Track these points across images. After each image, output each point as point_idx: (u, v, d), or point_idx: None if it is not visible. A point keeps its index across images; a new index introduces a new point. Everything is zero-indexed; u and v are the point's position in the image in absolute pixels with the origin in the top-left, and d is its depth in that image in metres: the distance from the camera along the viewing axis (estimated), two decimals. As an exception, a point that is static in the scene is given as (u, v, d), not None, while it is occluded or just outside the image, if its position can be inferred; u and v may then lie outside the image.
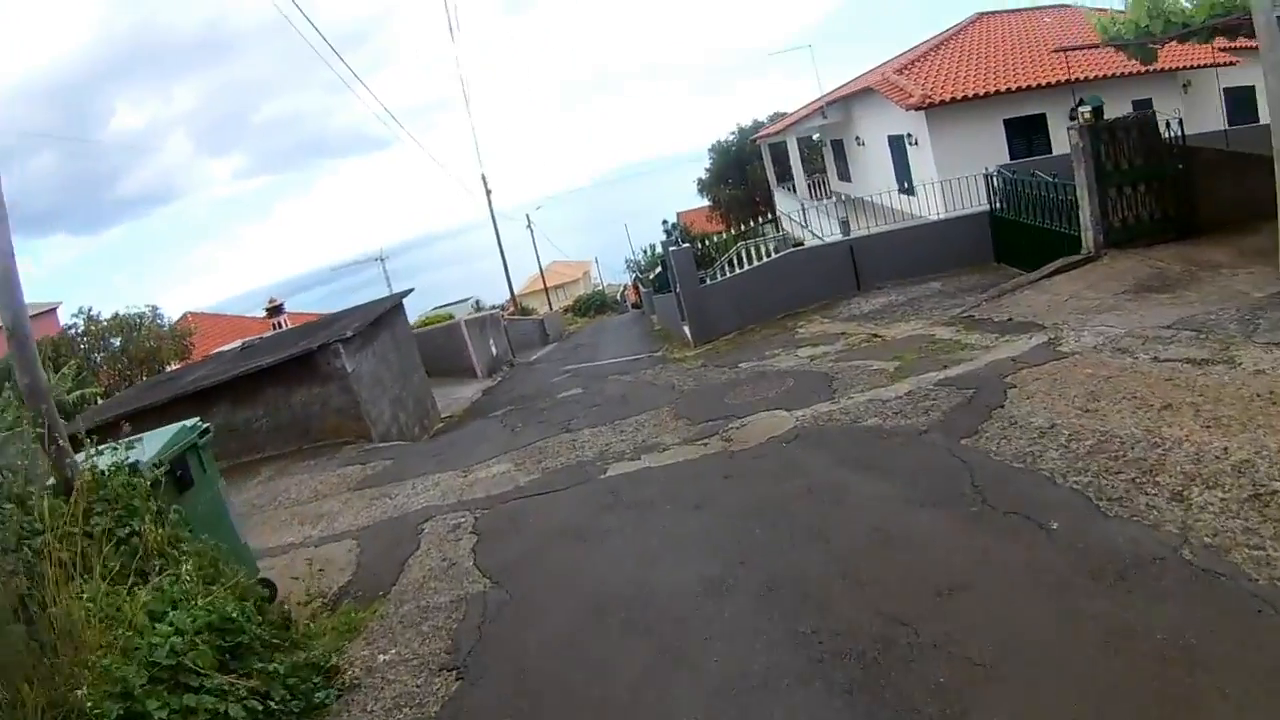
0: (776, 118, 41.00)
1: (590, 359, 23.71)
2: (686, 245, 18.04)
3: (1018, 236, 16.09)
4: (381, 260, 66.50)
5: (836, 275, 17.70)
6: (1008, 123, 20.74)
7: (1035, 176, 15.27)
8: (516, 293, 63.90)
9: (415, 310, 51.60)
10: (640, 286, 41.22)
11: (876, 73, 25.37)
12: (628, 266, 55.89)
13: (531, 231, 62.14)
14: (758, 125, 45.13)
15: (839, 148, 30.91)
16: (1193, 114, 20.13)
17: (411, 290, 20.24)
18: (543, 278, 68.04)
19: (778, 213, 35.00)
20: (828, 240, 18.64)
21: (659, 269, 27.30)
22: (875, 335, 12.90)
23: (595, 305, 59.48)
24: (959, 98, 20.00)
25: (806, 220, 24.66)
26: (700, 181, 49.32)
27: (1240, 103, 22.93)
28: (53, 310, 34.06)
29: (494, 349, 28.23)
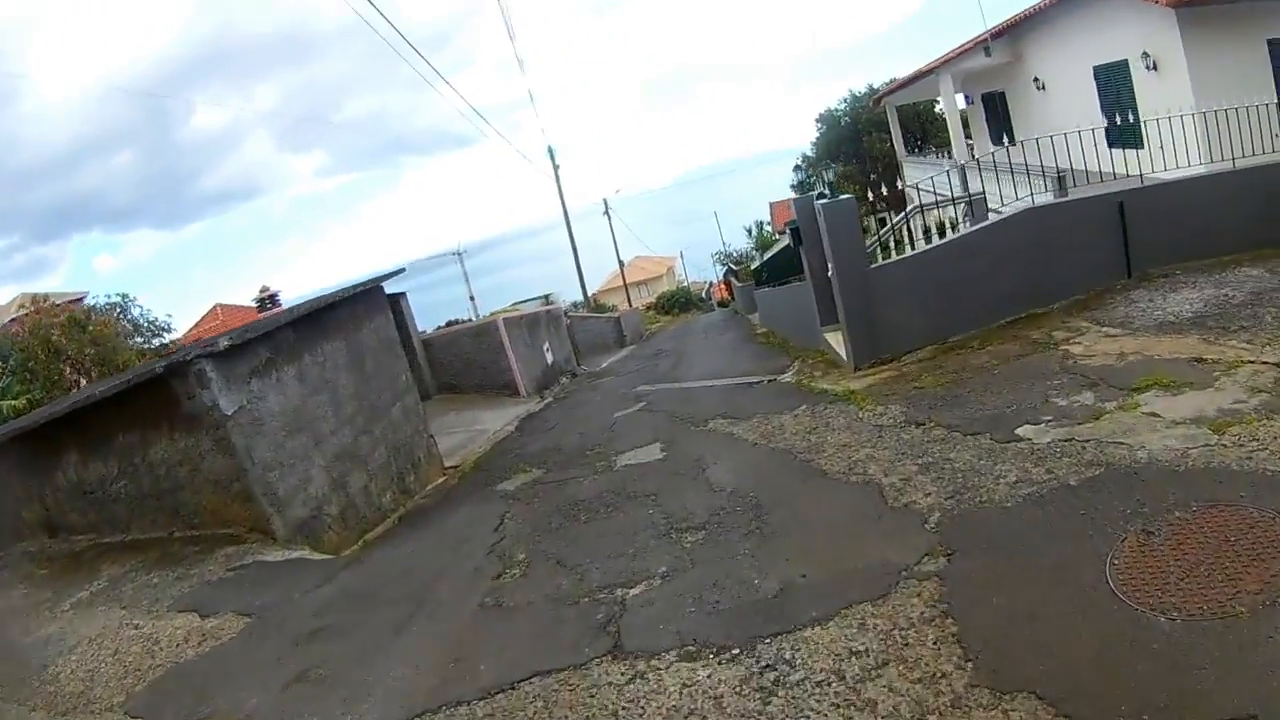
0: (891, 92, 32.87)
1: (674, 375, 16.33)
2: (847, 196, 10.48)
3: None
4: (459, 255, 62.35)
5: (1092, 253, 10.52)
6: (1273, 44, 13.66)
7: None
8: (596, 290, 58.74)
9: (491, 307, 47.73)
10: (734, 281, 34.10)
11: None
12: (716, 259, 49.29)
13: (609, 217, 54.90)
14: (873, 91, 37.19)
15: (996, 103, 23.29)
16: None
17: (401, 271, 13.18)
18: (622, 272, 60.89)
19: (906, 187, 26.82)
20: (1078, 196, 11.06)
21: (771, 252, 19.93)
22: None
23: (679, 302, 52.10)
24: (1225, -7, 12.96)
25: (967, 185, 16.47)
26: (803, 159, 41.61)
27: None
28: (78, 300, 28.84)
29: (549, 355, 20.97)
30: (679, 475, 7.41)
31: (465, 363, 18.35)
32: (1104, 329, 8.65)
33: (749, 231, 39.28)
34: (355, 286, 11.48)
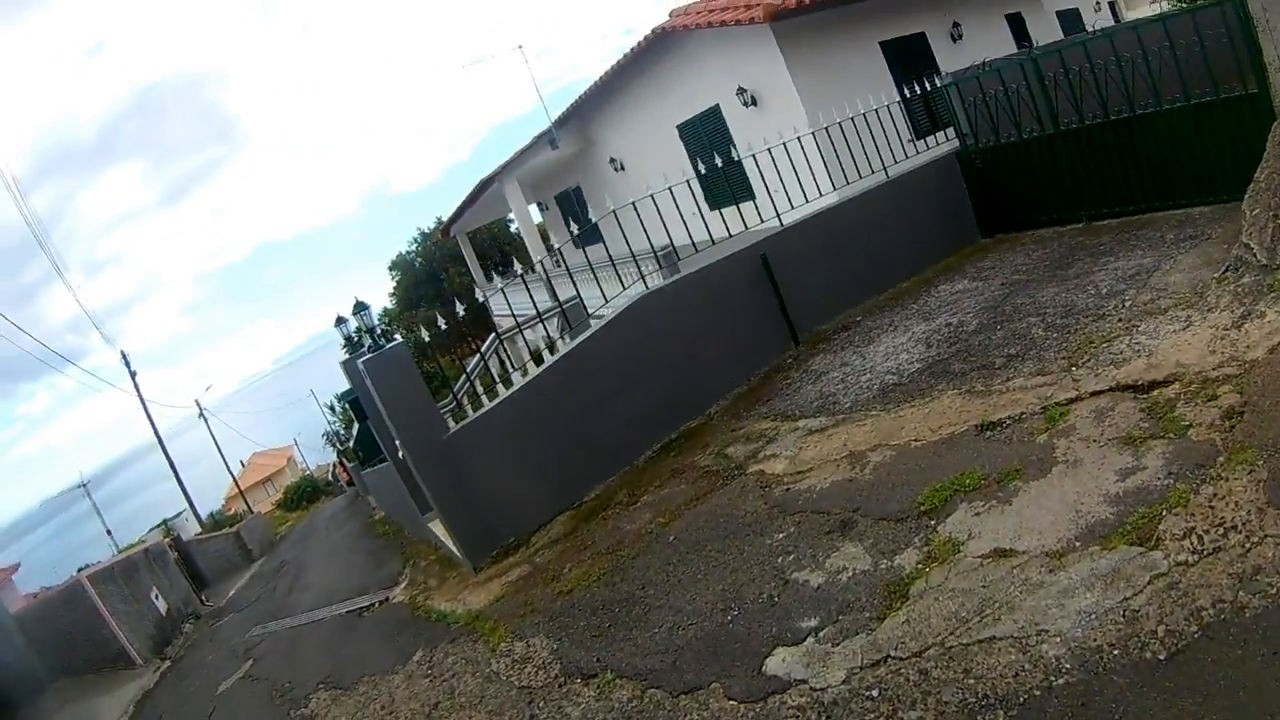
0: (458, 216, 30.47)
1: (288, 604, 13.27)
2: (397, 342, 7.92)
3: (1045, 172, 9.43)
4: (84, 486, 56.88)
5: (742, 328, 9.05)
6: (886, 46, 13.71)
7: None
8: (227, 497, 54.33)
9: (130, 538, 40.72)
10: (345, 461, 30.69)
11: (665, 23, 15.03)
12: (327, 440, 45.40)
13: (206, 419, 48.61)
14: (441, 225, 35.73)
15: (572, 201, 22.38)
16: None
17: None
18: (234, 479, 54.25)
19: (494, 317, 24.42)
20: (702, 264, 9.23)
21: (356, 427, 17.17)
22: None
23: (306, 493, 46.78)
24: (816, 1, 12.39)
25: (558, 296, 14.58)
26: (385, 313, 39.10)
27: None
28: None
29: (160, 604, 16.42)
30: None
31: (67, 639, 13.88)
32: (801, 422, 6.86)
33: (332, 409, 36.33)
34: None
